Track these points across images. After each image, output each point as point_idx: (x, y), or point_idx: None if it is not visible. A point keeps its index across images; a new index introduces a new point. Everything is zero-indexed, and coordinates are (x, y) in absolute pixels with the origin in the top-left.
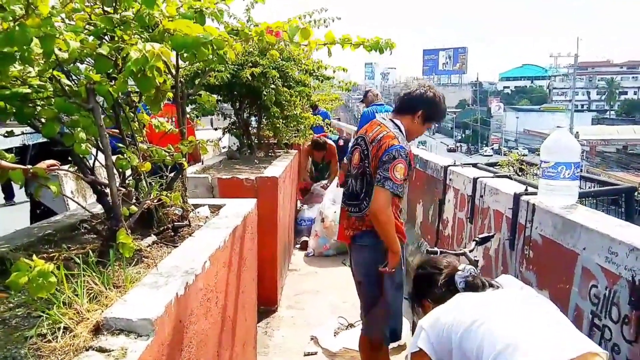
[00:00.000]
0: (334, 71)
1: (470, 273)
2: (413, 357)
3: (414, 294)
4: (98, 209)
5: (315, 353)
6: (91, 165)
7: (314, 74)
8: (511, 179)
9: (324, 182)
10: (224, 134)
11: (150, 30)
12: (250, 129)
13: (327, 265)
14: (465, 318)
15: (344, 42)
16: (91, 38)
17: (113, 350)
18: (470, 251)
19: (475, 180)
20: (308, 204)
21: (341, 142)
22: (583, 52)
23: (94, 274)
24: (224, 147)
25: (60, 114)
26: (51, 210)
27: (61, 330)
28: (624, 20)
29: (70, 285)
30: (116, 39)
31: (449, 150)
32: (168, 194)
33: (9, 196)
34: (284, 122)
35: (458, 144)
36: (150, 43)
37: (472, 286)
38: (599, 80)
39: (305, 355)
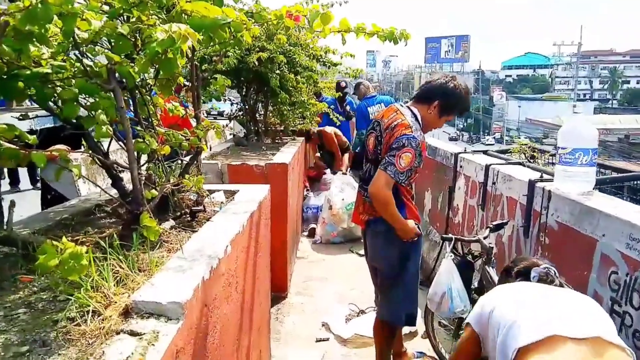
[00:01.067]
0: (342, 57)
1: (547, 271)
2: (465, 328)
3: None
4: (113, 193)
5: (327, 339)
6: (105, 149)
7: (320, 59)
8: (524, 166)
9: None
10: (230, 120)
11: (166, 12)
12: (257, 115)
13: (334, 253)
14: (499, 298)
15: (359, 31)
16: (104, 18)
17: (145, 333)
18: (485, 238)
19: (487, 167)
20: (315, 192)
21: (343, 85)
22: (586, 40)
23: (119, 257)
24: (231, 134)
25: (79, 96)
26: (62, 195)
27: (90, 314)
28: (627, 9)
29: (96, 269)
30: (131, 19)
31: (451, 139)
32: (190, 178)
33: (14, 182)
34: (290, 108)
35: (460, 133)
36: (176, 24)
37: (544, 283)
38: (601, 69)
39: (317, 341)
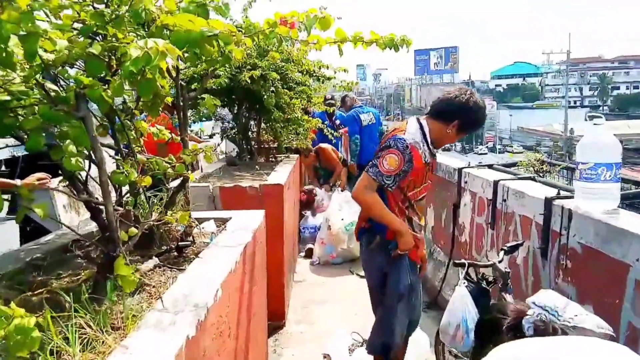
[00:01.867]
0: (335, 72)
1: (540, 318)
2: None
3: (477, 342)
4: (93, 226)
5: None
6: (84, 179)
7: (314, 74)
8: (535, 180)
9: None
10: (222, 139)
11: (146, 29)
12: (249, 133)
13: (334, 275)
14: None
15: (356, 40)
16: (81, 38)
17: None
18: (500, 262)
19: (496, 183)
20: (312, 213)
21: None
22: (575, 48)
23: (87, 314)
24: (223, 154)
25: (46, 124)
26: (43, 227)
27: None
28: (615, 15)
29: (58, 329)
30: (108, 37)
31: (443, 150)
32: (173, 213)
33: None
34: (283, 125)
35: (452, 144)
36: (153, 39)
37: (542, 333)
38: (590, 76)
39: None
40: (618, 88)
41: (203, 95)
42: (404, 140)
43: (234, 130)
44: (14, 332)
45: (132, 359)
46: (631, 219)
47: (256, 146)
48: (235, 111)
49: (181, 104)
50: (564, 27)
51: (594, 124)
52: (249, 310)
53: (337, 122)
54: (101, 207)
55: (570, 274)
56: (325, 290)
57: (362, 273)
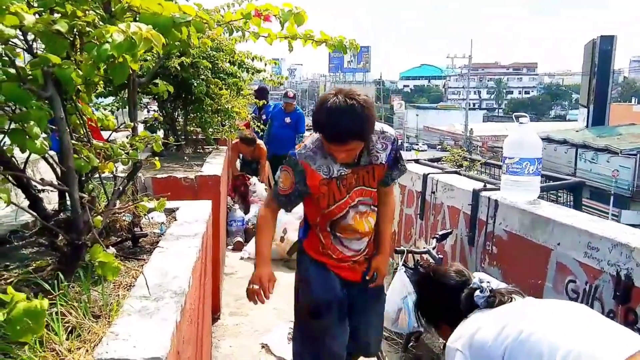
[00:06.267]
0: (265, 64)
1: (491, 292)
2: None
3: (428, 314)
4: (28, 217)
5: None
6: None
7: (243, 66)
8: (460, 174)
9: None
10: (145, 129)
11: (104, 9)
12: (176, 124)
13: None
14: (510, 330)
15: (307, 38)
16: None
17: None
18: (433, 248)
19: (425, 176)
20: (242, 205)
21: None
22: (476, 54)
23: (66, 301)
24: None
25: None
26: None
27: None
28: (511, 24)
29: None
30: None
31: None
32: (148, 201)
33: None
34: (212, 115)
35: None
36: (135, 24)
37: (495, 304)
38: (488, 81)
39: None
40: (512, 92)
41: (155, 81)
42: (295, 156)
43: (160, 120)
44: (22, 316)
45: (128, 346)
46: (551, 209)
47: (183, 137)
48: (161, 100)
49: (132, 89)
50: (464, 39)
51: (520, 123)
52: (204, 300)
53: (264, 117)
54: (41, 195)
55: (496, 259)
56: None
57: (292, 265)
